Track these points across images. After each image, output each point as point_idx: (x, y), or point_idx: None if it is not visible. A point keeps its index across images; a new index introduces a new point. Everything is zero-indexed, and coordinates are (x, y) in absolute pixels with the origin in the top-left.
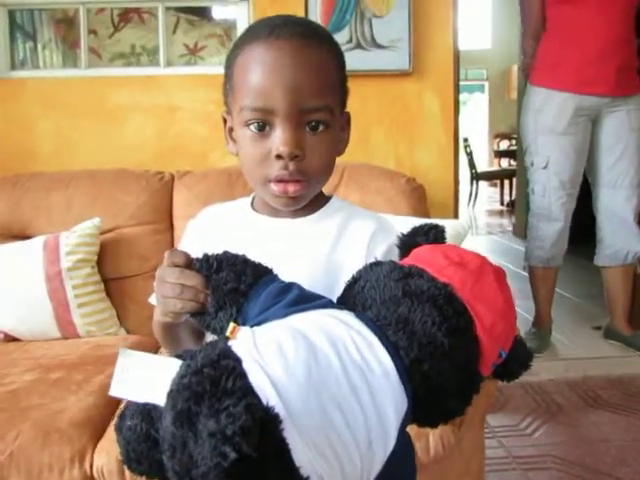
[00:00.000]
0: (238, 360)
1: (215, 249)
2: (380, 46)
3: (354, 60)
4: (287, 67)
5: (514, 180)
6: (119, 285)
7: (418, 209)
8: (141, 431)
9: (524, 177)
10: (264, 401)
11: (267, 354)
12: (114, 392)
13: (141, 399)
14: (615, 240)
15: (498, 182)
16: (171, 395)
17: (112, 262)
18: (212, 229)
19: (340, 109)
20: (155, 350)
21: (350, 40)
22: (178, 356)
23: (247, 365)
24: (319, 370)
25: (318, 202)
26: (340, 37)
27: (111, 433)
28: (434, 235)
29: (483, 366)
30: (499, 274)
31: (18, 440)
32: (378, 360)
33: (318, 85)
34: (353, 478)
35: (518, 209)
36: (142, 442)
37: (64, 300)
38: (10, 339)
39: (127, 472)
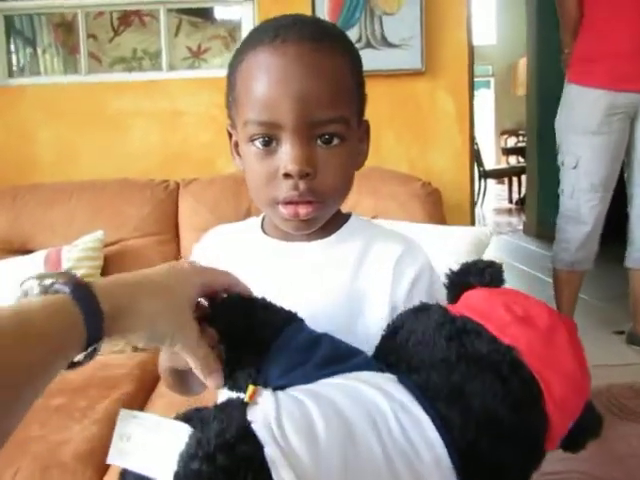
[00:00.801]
0: (259, 446)
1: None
2: (391, 45)
3: (364, 60)
4: (295, 75)
5: (523, 177)
6: None
7: (434, 214)
8: None
9: (535, 175)
10: None
11: (294, 438)
12: (111, 460)
13: (142, 471)
14: None
15: (506, 180)
16: None
17: None
18: (218, 255)
19: (357, 118)
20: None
21: (360, 39)
22: (187, 419)
23: (270, 454)
24: (358, 462)
25: (335, 222)
26: (349, 36)
27: (117, 467)
28: (490, 275)
29: (550, 442)
30: (572, 332)
31: (17, 478)
32: (427, 443)
33: (331, 94)
34: None
35: (529, 207)
36: None
37: None
38: None
39: None
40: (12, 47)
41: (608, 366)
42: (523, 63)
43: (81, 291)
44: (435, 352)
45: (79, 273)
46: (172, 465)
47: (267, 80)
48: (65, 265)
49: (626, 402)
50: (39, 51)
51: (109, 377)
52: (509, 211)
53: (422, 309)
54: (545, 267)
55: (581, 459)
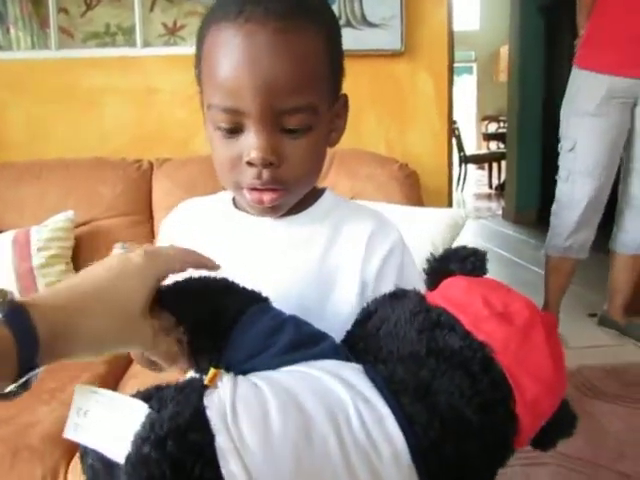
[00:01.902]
0: (210, 436)
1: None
2: (371, 24)
3: (343, 39)
4: (260, 59)
5: (503, 163)
6: None
7: (411, 197)
8: (102, 476)
9: (515, 160)
10: None
11: (247, 429)
12: (68, 435)
13: (98, 448)
14: (633, 228)
15: (486, 165)
16: (128, 466)
17: (88, 257)
18: (188, 230)
19: (330, 100)
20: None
21: (339, 17)
22: (146, 397)
23: (220, 444)
24: (312, 457)
25: (307, 199)
26: None
27: None
28: (472, 264)
29: (518, 442)
30: (550, 329)
31: None
32: (388, 440)
33: (298, 80)
34: None
35: (508, 193)
36: None
37: None
38: None
39: None
40: None
41: (580, 348)
42: (505, 50)
43: (15, 314)
44: (405, 344)
45: (49, 254)
46: (127, 444)
47: (230, 64)
48: (35, 246)
49: (597, 383)
50: (8, 25)
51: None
52: (489, 196)
53: (398, 295)
54: (522, 251)
55: None
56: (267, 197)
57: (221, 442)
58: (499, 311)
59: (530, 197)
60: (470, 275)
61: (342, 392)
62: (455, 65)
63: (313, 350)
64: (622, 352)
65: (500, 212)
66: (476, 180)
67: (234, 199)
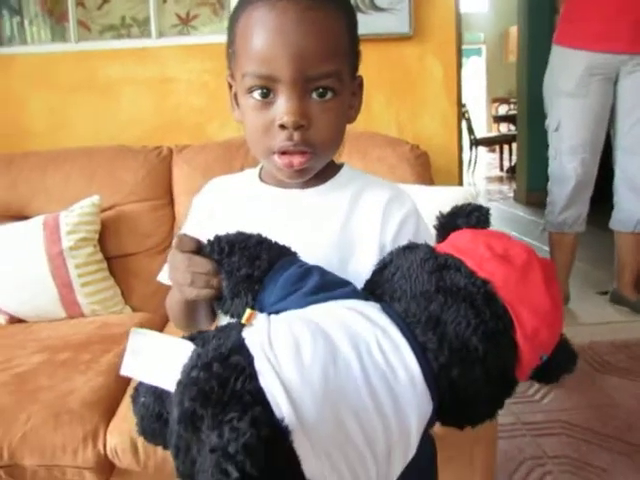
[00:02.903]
0: (250, 358)
1: (223, 225)
2: (379, 8)
3: None
4: (291, 31)
5: (514, 145)
6: (122, 263)
7: (422, 177)
8: (153, 410)
9: (525, 142)
10: (274, 408)
11: (282, 353)
12: (124, 371)
13: (151, 381)
14: (628, 206)
15: (497, 148)
16: (179, 388)
17: (114, 240)
18: (219, 202)
19: (351, 74)
20: (161, 328)
21: None
22: (191, 339)
23: (259, 365)
24: (338, 376)
25: (328, 172)
26: None
27: (122, 412)
28: (477, 218)
29: (520, 372)
30: (548, 271)
31: (30, 422)
32: (404, 365)
33: (325, 50)
34: None
35: (519, 174)
36: (154, 421)
37: (67, 280)
38: (15, 321)
39: (141, 451)
40: (3, 17)
41: (591, 325)
42: (515, 30)
43: None
44: (417, 284)
45: (78, 237)
46: (176, 375)
47: (265, 35)
48: (64, 230)
49: (607, 357)
50: (26, 21)
51: (110, 335)
52: (500, 179)
53: (411, 247)
54: (534, 232)
55: (562, 410)
56: (296, 160)
57: (259, 363)
58: (500, 254)
59: (541, 178)
60: (475, 228)
61: (363, 324)
62: (464, 47)
63: (336, 292)
64: (633, 328)
65: (511, 195)
66: (487, 163)
67: (260, 174)
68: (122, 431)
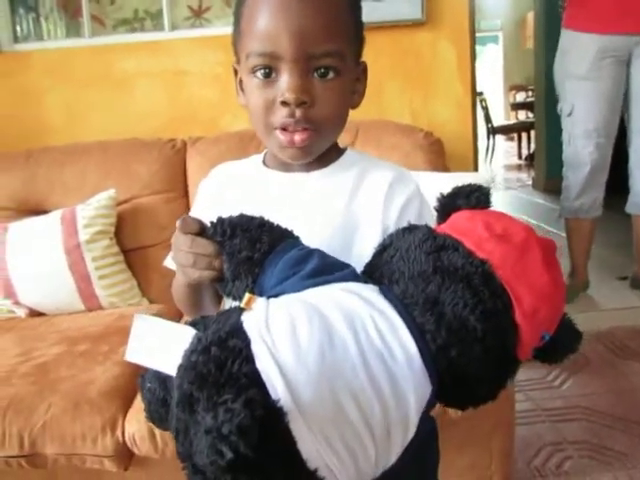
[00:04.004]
0: (247, 341)
1: (229, 208)
2: None
3: (365, 11)
4: (294, 9)
5: (532, 133)
6: (139, 255)
7: (436, 164)
8: (158, 396)
9: (543, 129)
10: (270, 390)
11: (278, 335)
12: (129, 357)
13: (155, 367)
14: None
15: (515, 136)
16: (180, 372)
17: (130, 233)
18: (224, 187)
19: (354, 58)
20: (178, 319)
21: None
22: (193, 324)
23: (256, 348)
24: (334, 357)
25: (332, 155)
26: None
27: (140, 401)
28: (477, 198)
29: (521, 352)
30: (548, 249)
31: (50, 412)
32: (401, 345)
33: (328, 29)
34: (366, 469)
35: (538, 162)
36: (160, 406)
37: (85, 273)
38: (35, 314)
39: (159, 438)
40: (18, 13)
41: (612, 310)
42: (531, 17)
43: None
44: (415, 266)
45: (94, 230)
46: (178, 360)
47: (269, 14)
48: (80, 223)
49: (628, 343)
50: (42, 17)
51: (127, 326)
52: (518, 167)
53: (410, 229)
54: (553, 219)
55: (582, 395)
56: (298, 137)
57: (256, 345)
58: (498, 233)
59: (560, 165)
60: (476, 209)
61: (360, 306)
62: (480, 34)
63: (334, 275)
64: None
65: (530, 182)
66: (505, 151)
67: (264, 159)
68: (140, 419)
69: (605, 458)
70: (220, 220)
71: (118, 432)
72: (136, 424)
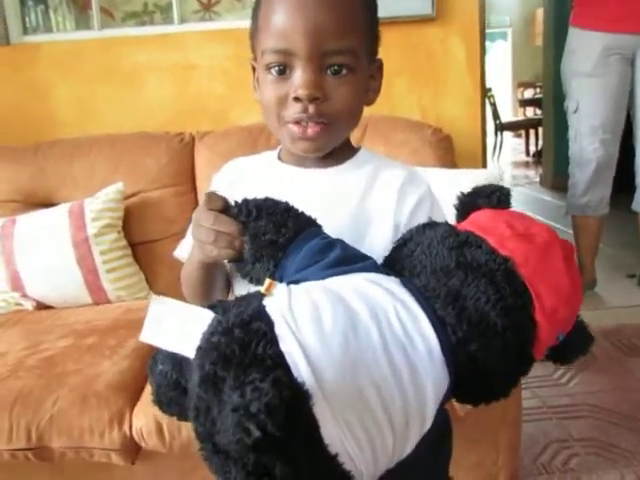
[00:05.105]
0: (270, 324)
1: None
2: None
3: None
4: (309, 7)
5: (540, 130)
6: (146, 249)
7: (445, 161)
8: (171, 378)
9: (551, 126)
10: (295, 372)
11: (302, 319)
12: (144, 338)
13: (171, 348)
14: None
15: (523, 132)
16: (199, 353)
17: (138, 226)
18: (236, 183)
19: (368, 55)
20: None
21: None
22: (211, 307)
23: (279, 330)
24: (357, 344)
25: (346, 153)
26: None
27: (147, 395)
28: (498, 198)
29: (537, 350)
30: (568, 251)
31: (57, 405)
32: (422, 336)
33: (342, 26)
34: (383, 458)
35: (546, 159)
36: (172, 389)
37: (92, 266)
38: (42, 307)
39: (166, 432)
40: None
41: (619, 307)
42: (541, 13)
43: None
44: (437, 260)
45: (102, 224)
46: (196, 342)
47: (284, 11)
48: (88, 217)
49: (635, 341)
50: (51, 9)
51: (135, 319)
52: (526, 164)
53: (431, 225)
54: (560, 217)
55: (589, 393)
56: (311, 130)
57: (280, 328)
58: (521, 232)
59: (567, 162)
60: (496, 208)
61: (382, 296)
62: (489, 31)
63: (357, 265)
64: None
65: (537, 179)
66: (513, 148)
67: (279, 155)
68: (147, 413)
69: (611, 455)
70: (245, 201)
71: (125, 426)
72: (143, 418)
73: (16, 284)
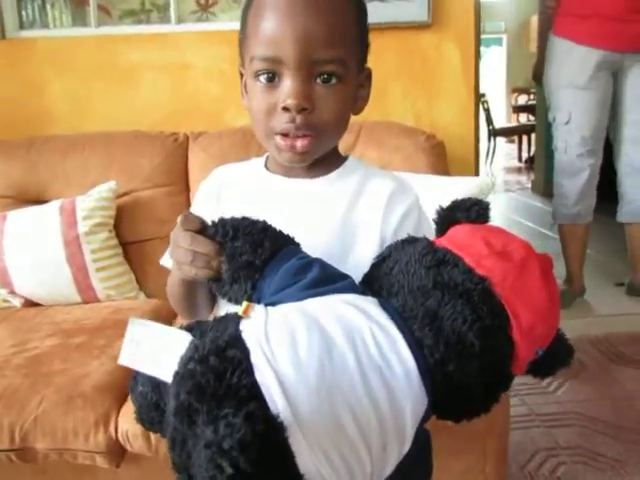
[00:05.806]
0: (246, 351)
1: (230, 210)
2: None
3: (370, 12)
4: (298, 15)
5: (533, 136)
6: (137, 249)
7: (438, 167)
8: (151, 400)
9: (543, 133)
10: (270, 404)
11: (278, 347)
12: (122, 361)
13: (149, 372)
14: (637, 196)
15: (516, 138)
16: (176, 379)
17: (129, 226)
18: (224, 189)
19: (358, 64)
20: (174, 316)
21: None
22: (189, 328)
23: (255, 359)
24: (333, 370)
25: (334, 162)
26: None
27: None
28: (476, 212)
29: (516, 367)
30: (546, 265)
31: (42, 405)
32: (400, 359)
33: (332, 35)
34: None
35: (537, 165)
36: (152, 410)
37: (82, 264)
38: (30, 304)
39: (152, 436)
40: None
41: (608, 316)
42: (536, 20)
43: None
44: (414, 279)
45: (93, 222)
46: (174, 366)
47: (273, 19)
48: (80, 215)
49: (623, 349)
50: (48, 4)
51: (124, 320)
52: (518, 170)
53: (410, 241)
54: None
55: (577, 401)
56: (299, 143)
57: (255, 356)
58: (498, 250)
59: None
60: (474, 222)
61: (359, 318)
62: (484, 37)
63: (334, 286)
64: None
65: (529, 185)
66: (506, 154)
67: (266, 163)
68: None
69: (598, 464)
70: (222, 220)
71: (111, 428)
72: (129, 421)
73: (4, 280)
